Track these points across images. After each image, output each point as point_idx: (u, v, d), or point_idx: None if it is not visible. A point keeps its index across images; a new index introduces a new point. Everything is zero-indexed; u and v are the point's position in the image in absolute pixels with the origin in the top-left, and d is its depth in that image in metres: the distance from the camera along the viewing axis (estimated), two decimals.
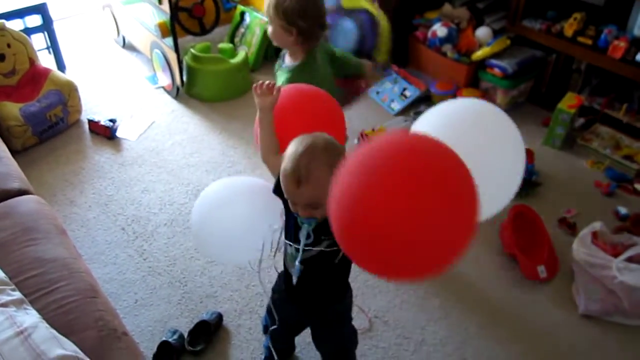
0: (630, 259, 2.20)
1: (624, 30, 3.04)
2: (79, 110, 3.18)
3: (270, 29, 2.08)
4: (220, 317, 2.20)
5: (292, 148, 1.35)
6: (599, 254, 2.25)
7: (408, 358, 2.09)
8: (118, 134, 3.10)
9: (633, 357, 2.11)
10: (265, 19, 3.43)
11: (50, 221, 1.97)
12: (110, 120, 3.09)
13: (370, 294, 2.29)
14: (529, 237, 2.47)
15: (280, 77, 2.09)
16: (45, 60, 3.41)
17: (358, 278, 2.32)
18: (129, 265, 2.43)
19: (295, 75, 2.04)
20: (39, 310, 1.58)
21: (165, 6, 3.00)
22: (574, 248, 2.35)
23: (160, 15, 3.10)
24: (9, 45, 2.96)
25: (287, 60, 2.15)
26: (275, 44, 2.12)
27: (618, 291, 2.14)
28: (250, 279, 2.36)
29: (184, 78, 3.29)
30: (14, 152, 2.44)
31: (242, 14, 3.62)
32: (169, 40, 3.13)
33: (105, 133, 3.07)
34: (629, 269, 2.17)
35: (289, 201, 1.42)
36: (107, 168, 2.92)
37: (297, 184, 1.32)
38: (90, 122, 3.10)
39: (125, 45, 3.86)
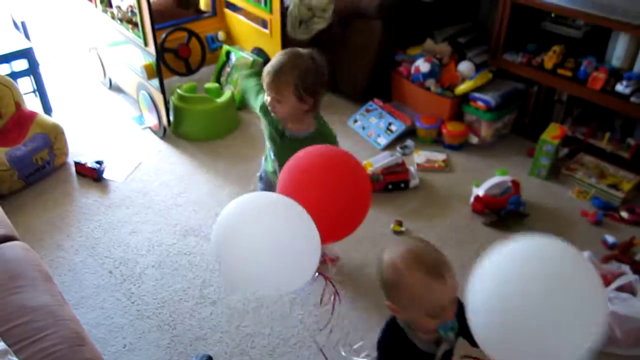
0: (620, 288, 2.21)
1: (603, 62, 3.11)
2: (65, 153, 3.17)
3: (276, 102, 1.96)
4: (209, 359, 2.17)
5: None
6: None
7: None
8: (105, 175, 3.09)
9: None
10: (250, 58, 3.48)
11: (35, 267, 1.94)
12: (97, 162, 3.08)
13: (361, 329, 2.27)
14: None
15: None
16: (32, 103, 3.42)
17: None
18: (117, 309, 2.39)
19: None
20: None
21: (151, 48, 3.03)
22: None
23: (146, 56, 3.13)
24: None
25: (294, 130, 2.07)
26: (280, 116, 2.02)
27: (610, 322, 2.14)
28: (240, 320, 2.33)
29: (171, 118, 3.30)
30: None
31: (228, 53, 3.67)
32: (155, 82, 3.15)
33: (92, 175, 3.06)
34: (619, 299, 2.17)
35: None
36: (94, 210, 2.90)
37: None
38: (77, 164, 3.09)
39: (112, 86, 3.88)
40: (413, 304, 1.30)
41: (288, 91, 1.92)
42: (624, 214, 2.83)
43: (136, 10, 2.98)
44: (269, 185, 2.34)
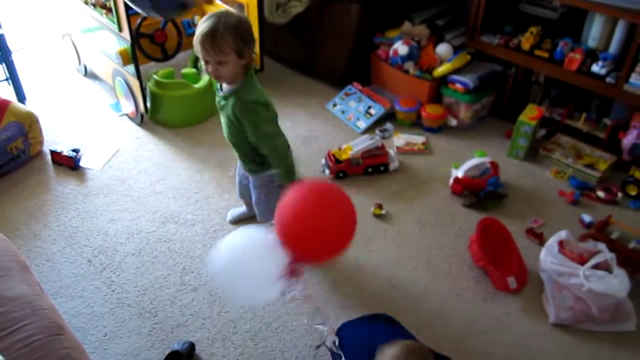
0: (596, 266, 2.24)
1: (579, 42, 3.13)
2: (40, 142, 3.12)
3: (219, 65, 1.95)
4: (192, 346, 2.16)
5: None
6: (566, 263, 2.28)
7: None
8: (82, 163, 3.05)
9: None
10: None
11: (12, 257, 1.92)
12: (74, 150, 3.04)
13: (343, 315, 2.28)
14: (498, 249, 2.50)
15: (236, 107, 2.06)
16: (5, 91, 3.35)
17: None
18: (97, 298, 2.37)
19: (251, 95, 2.06)
20: (1, 352, 1.53)
21: (126, 33, 2.98)
22: (542, 257, 2.38)
23: (121, 42, 3.08)
24: None
25: (226, 87, 2.10)
26: (224, 80, 2.03)
27: (586, 299, 2.18)
28: (221, 306, 2.33)
29: (148, 105, 3.26)
30: None
31: None
32: (131, 68, 3.10)
33: (69, 163, 3.02)
34: (596, 276, 2.21)
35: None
36: (72, 199, 2.86)
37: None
38: (53, 153, 3.05)
39: (87, 73, 3.82)
40: None
41: (229, 49, 1.91)
42: (601, 194, 2.86)
43: None
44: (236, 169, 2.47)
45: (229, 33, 1.90)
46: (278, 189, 2.22)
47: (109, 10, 3.03)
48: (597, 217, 2.70)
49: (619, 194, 2.86)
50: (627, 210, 2.81)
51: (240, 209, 2.72)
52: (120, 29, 3.01)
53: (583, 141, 3.13)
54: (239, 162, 2.42)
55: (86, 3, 3.25)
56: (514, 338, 2.21)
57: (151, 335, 2.23)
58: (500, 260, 2.45)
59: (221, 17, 1.93)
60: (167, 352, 2.11)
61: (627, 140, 2.96)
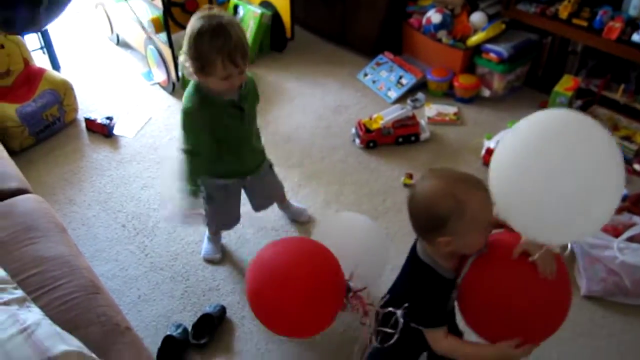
0: (631, 239, 2.20)
1: (619, 11, 3.02)
2: (75, 109, 3.17)
3: (243, 73, 1.83)
4: (223, 309, 2.20)
5: None
6: (599, 235, 2.25)
7: None
8: (115, 131, 3.10)
9: (636, 337, 2.12)
10: (259, 11, 3.43)
11: (49, 219, 1.97)
12: (107, 118, 3.08)
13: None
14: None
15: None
16: (40, 60, 3.40)
17: None
18: (131, 261, 2.43)
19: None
20: (41, 308, 1.58)
21: (158, 2, 2.99)
22: None
23: (153, 10, 3.09)
24: (2, 46, 2.96)
25: (231, 93, 1.93)
26: (234, 88, 1.89)
27: (619, 271, 2.15)
28: None
29: (180, 73, 3.27)
30: (11, 153, 2.43)
31: (236, 7, 3.61)
32: (163, 36, 3.12)
33: (103, 131, 3.07)
34: (630, 249, 2.17)
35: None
36: (106, 166, 2.91)
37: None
38: (87, 120, 3.10)
39: (120, 42, 3.85)
40: (474, 225, 1.31)
41: (245, 59, 1.81)
42: (637, 167, 2.80)
43: None
44: (224, 192, 2.21)
45: (246, 39, 1.81)
46: None
47: None
48: (633, 190, 2.64)
49: None
50: None
51: (208, 243, 2.45)
52: None
53: (621, 113, 3.05)
54: (228, 191, 2.22)
55: None
56: None
57: (183, 298, 2.28)
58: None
59: (227, 22, 1.75)
60: (199, 314, 2.16)
61: None
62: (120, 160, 2.95)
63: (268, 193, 2.41)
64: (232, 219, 2.36)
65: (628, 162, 2.84)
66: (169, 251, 2.47)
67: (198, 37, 1.73)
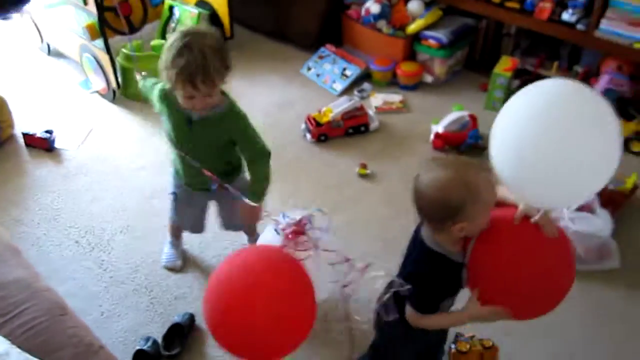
0: (580, 209, 2.31)
1: None
2: (11, 125, 3.03)
3: (209, 97, 1.76)
4: (192, 317, 2.17)
5: None
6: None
7: None
8: (57, 145, 2.98)
9: (593, 301, 2.23)
10: (196, 11, 3.37)
11: (1, 242, 1.88)
12: (47, 132, 2.96)
13: None
14: None
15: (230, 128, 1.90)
16: None
17: None
18: (89, 278, 2.35)
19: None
20: (6, 336, 1.52)
21: (92, 7, 2.88)
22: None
23: (87, 16, 2.98)
24: None
25: (202, 112, 1.84)
26: (201, 110, 1.81)
27: (573, 240, 2.25)
28: None
29: (119, 80, 3.18)
30: None
31: (171, 8, 3.52)
32: (99, 42, 3.01)
33: (43, 145, 2.94)
34: (580, 218, 2.28)
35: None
36: (51, 181, 2.80)
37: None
38: (26, 135, 2.96)
39: (51, 52, 3.69)
40: (485, 207, 1.35)
41: (219, 82, 1.76)
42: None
43: None
44: (187, 197, 2.17)
45: (218, 62, 1.71)
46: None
47: None
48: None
49: None
50: None
51: (169, 249, 2.40)
52: (85, 2, 2.91)
53: None
54: (176, 188, 2.18)
55: None
56: None
57: (149, 310, 2.23)
58: None
59: (200, 41, 1.69)
60: (168, 325, 2.12)
61: (599, 86, 3.02)
62: (66, 174, 2.84)
63: (234, 220, 2.25)
64: (191, 225, 2.31)
65: None
66: (128, 263, 2.41)
67: (166, 52, 1.70)
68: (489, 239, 1.41)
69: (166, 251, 2.40)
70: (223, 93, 1.89)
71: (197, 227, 2.31)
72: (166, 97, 1.89)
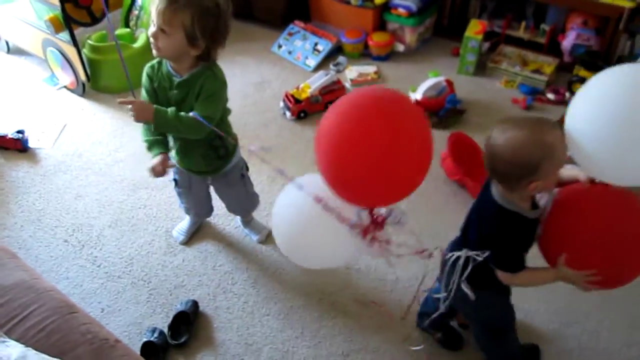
0: None
1: None
2: None
3: (161, 33, 1.69)
4: (195, 304, 2.15)
5: None
6: None
7: (387, 297, 2.17)
8: (30, 144, 2.88)
9: None
10: None
11: None
12: (19, 132, 2.86)
13: None
14: (469, 161, 2.59)
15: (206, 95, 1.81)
16: None
17: None
18: (84, 275, 2.30)
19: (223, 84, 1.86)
20: (18, 340, 1.48)
21: None
22: None
23: (48, 9, 2.88)
24: None
25: (178, 70, 1.82)
26: (161, 53, 1.74)
27: None
28: (215, 260, 2.32)
29: (88, 72, 3.08)
30: None
31: None
32: (64, 35, 2.92)
33: (16, 146, 2.84)
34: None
35: None
36: (29, 182, 2.71)
37: None
38: None
39: (10, 49, 3.55)
40: (557, 165, 1.37)
41: (179, 24, 1.67)
42: (550, 96, 3.00)
43: None
44: (187, 182, 2.15)
45: (191, 8, 1.65)
46: (245, 169, 2.17)
47: None
48: (552, 118, 2.82)
49: (567, 94, 3.01)
50: None
51: (185, 223, 2.42)
52: None
53: (526, 48, 3.24)
54: (191, 182, 2.15)
55: None
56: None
57: (150, 301, 2.20)
58: (473, 172, 2.55)
59: None
60: (172, 314, 2.10)
61: (567, 42, 3.09)
62: (44, 173, 2.76)
63: (235, 202, 2.27)
64: (196, 211, 2.33)
65: (541, 92, 3.04)
66: (122, 257, 2.37)
67: None
68: (569, 203, 1.45)
69: (181, 224, 2.43)
70: (214, 64, 1.83)
71: (202, 211, 2.33)
72: (154, 71, 1.87)
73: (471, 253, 1.52)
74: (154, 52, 1.75)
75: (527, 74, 3.10)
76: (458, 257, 1.57)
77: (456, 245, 1.65)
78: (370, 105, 1.21)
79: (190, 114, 1.77)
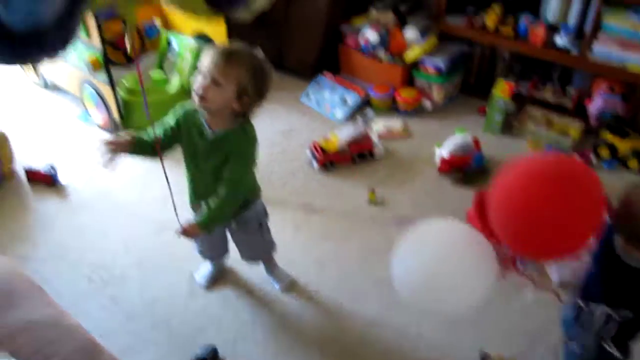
0: None
1: (538, 17, 3.26)
2: (11, 161, 2.97)
3: (216, 86, 1.72)
4: (215, 351, 2.13)
5: None
6: None
7: (410, 355, 2.14)
8: (60, 179, 2.93)
9: None
10: (195, 43, 3.39)
11: (25, 280, 1.84)
12: (50, 167, 2.92)
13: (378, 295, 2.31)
14: None
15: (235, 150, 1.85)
16: None
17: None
18: (105, 314, 2.30)
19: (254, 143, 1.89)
20: None
21: (96, 40, 2.88)
22: None
23: (88, 50, 2.98)
24: None
25: (214, 126, 1.85)
26: (206, 105, 1.77)
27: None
28: (236, 307, 2.31)
29: (122, 112, 3.16)
30: None
31: (169, 40, 3.53)
32: (102, 75, 3.00)
33: (47, 181, 2.90)
34: None
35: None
36: (56, 217, 2.75)
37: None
38: (28, 171, 2.91)
39: (48, 86, 3.65)
40: None
41: (234, 79, 1.72)
42: (576, 157, 3.01)
43: None
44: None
45: (247, 66, 1.73)
46: (265, 216, 2.16)
47: None
48: None
49: (593, 157, 3.02)
50: (602, 171, 2.96)
51: (207, 268, 2.42)
52: (88, 35, 2.91)
53: (552, 111, 3.28)
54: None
55: None
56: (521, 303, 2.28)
57: (170, 344, 2.19)
58: None
59: (252, 53, 1.78)
60: (191, 359, 2.08)
61: (593, 107, 3.12)
62: (72, 209, 2.79)
63: (249, 249, 2.27)
64: (211, 251, 2.32)
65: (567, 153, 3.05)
66: (143, 298, 2.37)
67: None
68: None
69: (203, 268, 2.42)
70: (247, 121, 1.87)
71: (216, 253, 2.33)
72: (187, 117, 1.90)
73: (610, 311, 1.49)
74: (197, 101, 1.78)
75: (553, 135, 3.13)
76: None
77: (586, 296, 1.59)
78: (556, 168, 1.35)
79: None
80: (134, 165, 3.04)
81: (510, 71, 3.51)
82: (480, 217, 2.54)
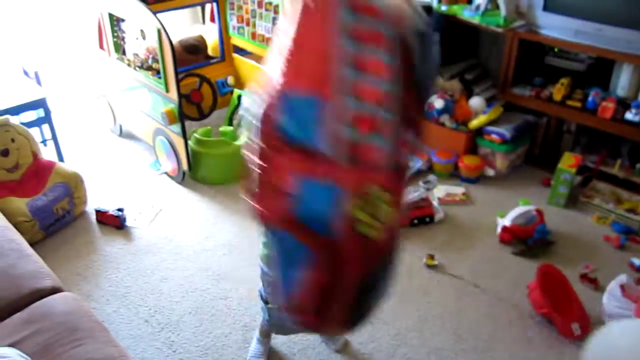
0: None
1: (608, 92, 3.23)
2: (84, 202, 3.13)
3: None
4: None
5: None
6: (631, 306, 2.30)
7: None
8: (127, 223, 3.05)
9: None
10: None
11: (90, 318, 1.90)
12: (119, 210, 3.04)
13: None
14: (557, 295, 2.50)
15: None
16: (46, 152, 3.37)
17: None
18: (159, 358, 2.33)
19: None
20: None
21: (173, 94, 3.04)
22: (605, 302, 2.39)
23: (165, 102, 3.14)
24: (13, 140, 2.92)
25: None
26: None
27: None
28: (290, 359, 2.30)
29: (191, 162, 3.29)
30: None
31: (240, 97, 3.69)
32: (176, 127, 3.15)
33: (115, 223, 3.02)
34: None
35: None
36: (121, 258, 2.84)
37: None
38: (98, 212, 3.05)
39: (122, 133, 3.86)
40: None
41: None
42: None
43: (158, 58, 3.01)
44: None
45: None
46: None
47: (155, 71, 3.10)
48: None
49: None
50: None
51: (257, 346, 2.33)
52: (167, 90, 3.07)
53: (620, 187, 3.19)
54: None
55: (129, 65, 3.33)
56: None
57: None
58: (561, 307, 2.45)
59: None
60: None
61: None
62: (136, 252, 2.88)
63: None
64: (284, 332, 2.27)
65: (636, 233, 2.95)
66: (198, 346, 2.39)
67: None
68: None
69: (253, 346, 2.34)
70: None
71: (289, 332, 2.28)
72: None
73: None
74: None
75: (621, 212, 3.04)
76: None
77: None
78: None
79: None
80: (197, 212, 3.16)
81: (577, 144, 3.46)
82: (542, 291, 2.48)
